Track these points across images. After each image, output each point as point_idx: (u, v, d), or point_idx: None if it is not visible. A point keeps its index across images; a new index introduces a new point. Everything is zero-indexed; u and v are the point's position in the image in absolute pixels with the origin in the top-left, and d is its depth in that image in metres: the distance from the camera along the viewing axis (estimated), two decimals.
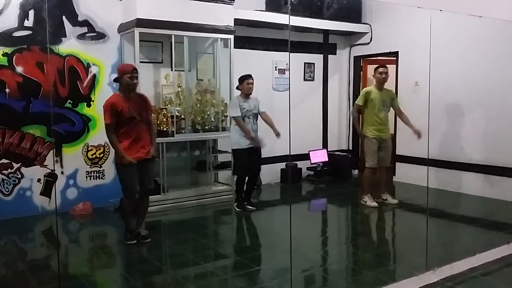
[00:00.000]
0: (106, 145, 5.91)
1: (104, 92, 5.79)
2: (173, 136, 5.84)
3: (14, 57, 5.34)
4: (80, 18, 5.70)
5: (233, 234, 5.35)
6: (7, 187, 5.41)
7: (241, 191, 5.81)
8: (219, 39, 6.22)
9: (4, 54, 5.29)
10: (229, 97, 6.19)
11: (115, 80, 4.58)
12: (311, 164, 7.57)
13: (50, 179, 5.63)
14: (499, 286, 3.68)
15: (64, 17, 5.62)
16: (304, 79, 7.84)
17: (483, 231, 5.06)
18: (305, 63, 7.80)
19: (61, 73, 5.64)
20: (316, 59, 7.94)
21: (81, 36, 5.73)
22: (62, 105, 5.67)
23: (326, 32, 7.89)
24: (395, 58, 7.48)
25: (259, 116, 5.76)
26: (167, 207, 5.83)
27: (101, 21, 5.83)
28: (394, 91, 6.15)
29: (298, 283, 3.65)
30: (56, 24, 5.57)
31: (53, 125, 5.64)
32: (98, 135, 5.83)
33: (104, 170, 5.99)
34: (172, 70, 6.00)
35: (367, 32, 7.85)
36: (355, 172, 7.90)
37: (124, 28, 5.82)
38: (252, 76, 5.72)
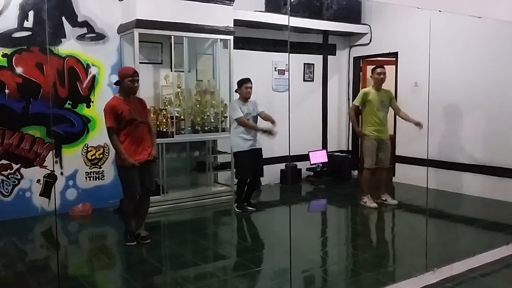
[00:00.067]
0: (105, 146, 5.91)
1: (104, 93, 5.80)
2: (173, 137, 5.84)
3: (13, 58, 5.34)
4: (79, 19, 5.71)
5: (232, 235, 5.35)
6: (6, 188, 5.41)
7: (241, 193, 5.81)
8: (218, 40, 6.22)
9: (4, 55, 5.29)
10: (229, 97, 6.19)
11: (116, 83, 4.58)
12: (311, 164, 7.57)
13: (50, 180, 5.63)
14: (499, 287, 3.68)
15: (63, 18, 5.62)
16: (304, 80, 7.85)
17: (483, 232, 5.06)
18: (304, 63, 7.81)
19: (61, 74, 5.64)
20: (316, 59, 7.95)
21: (81, 37, 5.74)
22: (61, 106, 5.67)
23: (325, 33, 7.90)
24: (394, 58, 7.49)
25: (258, 117, 5.75)
26: (166, 208, 5.83)
27: (100, 22, 5.83)
28: (392, 91, 6.15)
29: (297, 284, 3.65)
30: (56, 25, 5.57)
31: (52, 126, 5.64)
32: (97, 136, 5.83)
33: (103, 171, 5.99)
34: (171, 71, 6.00)
35: (367, 33, 7.86)
36: (355, 172, 7.90)
37: (123, 29, 5.82)
38: (251, 79, 5.71)
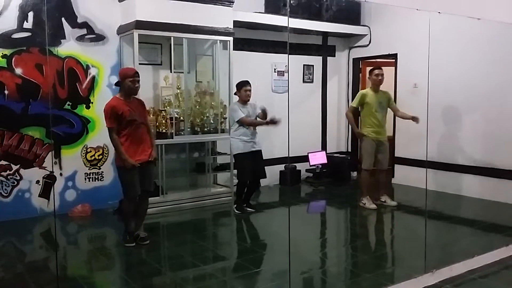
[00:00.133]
0: (105, 147, 5.91)
1: (103, 94, 5.80)
2: (172, 138, 5.85)
3: (13, 59, 5.34)
4: (79, 20, 5.71)
5: (232, 236, 5.35)
6: (5, 189, 5.41)
7: (241, 195, 5.81)
8: (218, 41, 6.23)
9: (3, 56, 5.29)
10: (228, 99, 6.20)
11: (117, 84, 4.58)
12: (310, 166, 7.57)
13: (49, 181, 5.62)
14: None
15: (63, 19, 5.62)
16: (303, 81, 7.85)
17: (482, 233, 5.07)
18: (304, 65, 7.81)
19: (60, 75, 5.64)
20: (315, 61, 7.95)
21: (80, 38, 5.74)
22: (61, 107, 5.67)
23: (325, 34, 7.90)
24: (394, 60, 7.49)
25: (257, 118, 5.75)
26: (166, 209, 5.83)
27: (100, 23, 5.83)
28: (389, 92, 6.15)
29: (297, 285, 3.65)
30: (55, 26, 5.57)
31: (52, 127, 5.63)
32: (97, 137, 5.83)
33: (103, 172, 5.98)
34: (171, 72, 6.00)
35: (366, 34, 7.87)
36: (354, 174, 7.90)
37: (123, 30, 5.82)
38: (250, 82, 5.72)
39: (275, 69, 7.44)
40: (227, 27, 6.15)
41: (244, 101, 5.67)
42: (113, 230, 5.32)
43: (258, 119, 5.71)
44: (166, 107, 6.01)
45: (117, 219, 5.38)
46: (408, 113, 5.86)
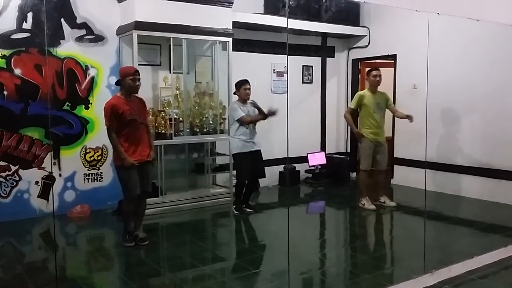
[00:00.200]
0: (104, 147, 5.91)
1: (103, 94, 5.80)
2: (171, 139, 5.84)
3: (12, 60, 5.34)
4: (78, 21, 5.71)
5: (231, 236, 5.35)
6: (4, 190, 5.40)
7: (240, 195, 5.81)
8: (217, 41, 6.23)
9: (3, 57, 5.28)
10: (228, 99, 6.20)
11: (117, 83, 4.58)
12: (309, 166, 7.57)
13: (48, 182, 5.62)
14: None
15: (62, 19, 5.62)
16: (302, 82, 7.86)
17: (481, 234, 5.07)
18: (303, 65, 7.82)
19: (60, 76, 5.64)
20: (314, 61, 7.96)
21: (80, 39, 5.74)
22: (60, 108, 5.67)
23: (324, 35, 7.91)
24: (393, 61, 7.50)
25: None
26: (165, 209, 5.82)
27: (99, 24, 5.83)
28: (387, 93, 6.15)
29: (296, 286, 3.65)
30: (55, 26, 5.57)
31: (51, 128, 5.63)
32: (96, 138, 5.83)
33: (102, 172, 5.98)
34: (170, 72, 6.00)
35: (365, 35, 7.87)
36: (353, 174, 7.90)
37: (122, 31, 5.82)
38: (249, 80, 5.73)
39: (274, 70, 7.45)
40: (226, 28, 6.15)
41: (243, 99, 5.68)
42: (112, 231, 5.32)
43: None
44: (165, 107, 6.01)
45: (116, 220, 5.38)
46: (405, 113, 5.87)
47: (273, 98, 7.25)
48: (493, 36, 5.97)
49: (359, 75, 8.17)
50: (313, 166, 7.56)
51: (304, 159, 7.47)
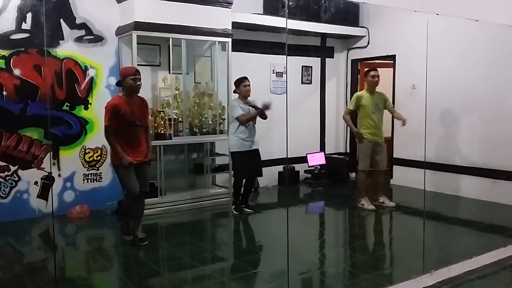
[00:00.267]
0: (103, 147, 5.91)
1: (102, 95, 5.80)
2: (171, 139, 5.84)
3: (11, 60, 5.33)
4: (77, 21, 5.71)
5: (230, 237, 5.35)
6: (4, 190, 5.40)
7: (238, 194, 5.81)
8: (217, 42, 6.24)
9: (2, 57, 5.28)
10: (227, 100, 6.20)
11: (118, 83, 4.58)
12: (309, 167, 7.58)
13: (47, 182, 5.62)
14: None
15: (61, 20, 5.62)
16: (302, 82, 7.86)
17: (480, 234, 5.08)
18: (302, 66, 7.82)
19: (59, 76, 5.64)
20: (314, 62, 7.96)
21: (79, 39, 5.74)
22: (59, 108, 5.66)
23: (323, 36, 7.91)
24: (392, 61, 7.51)
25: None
26: (164, 209, 5.82)
27: (98, 24, 5.83)
28: (386, 94, 6.16)
29: (295, 286, 3.65)
30: (54, 27, 5.56)
31: (50, 128, 5.63)
32: (95, 138, 5.83)
33: (101, 172, 5.98)
34: (169, 73, 6.01)
35: (365, 36, 7.88)
36: (353, 175, 7.91)
37: (122, 31, 5.82)
38: (248, 77, 5.73)
39: (273, 70, 7.45)
40: (226, 28, 6.15)
41: (244, 96, 5.68)
42: (111, 231, 5.31)
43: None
44: (165, 108, 6.01)
45: (116, 220, 5.37)
46: (407, 118, 5.84)
47: (272, 98, 7.20)
48: (492, 36, 5.97)
49: (359, 75, 8.17)
50: (313, 166, 7.57)
51: (303, 159, 7.48)
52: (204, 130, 6.18)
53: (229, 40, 6.21)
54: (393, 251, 4.80)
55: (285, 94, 7.24)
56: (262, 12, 6.87)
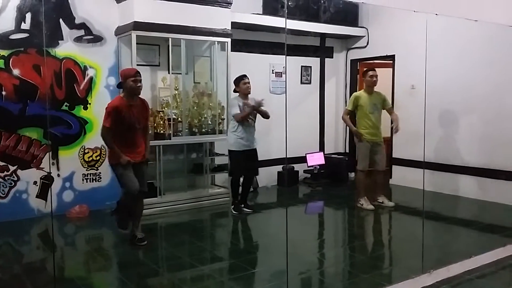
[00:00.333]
0: (102, 148, 5.90)
1: (101, 95, 5.81)
2: (170, 139, 5.84)
3: (11, 60, 5.33)
4: (77, 21, 5.71)
5: (229, 236, 5.35)
6: (3, 190, 5.40)
7: (236, 193, 5.82)
8: (216, 42, 6.24)
9: (1, 57, 5.28)
10: (226, 100, 6.20)
11: (119, 85, 4.57)
12: (308, 167, 7.58)
13: (46, 182, 5.61)
14: None
15: (61, 20, 5.62)
16: (301, 82, 7.86)
17: (479, 234, 5.08)
18: (302, 66, 7.82)
19: (58, 76, 5.64)
20: (313, 62, 7.97)
21: (78, 39, 5.73)
22: (58, 108, 5.66)
23: (322, 36, 7.92)
24: (391, 61, 7.51)
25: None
26: (163, 209, 5.83)
27: (98, 24, 5.83)
28: (384, 94, 6.16)
29: (294, 286, 3.66)
30: (53, 27, 5.56)
31: (49, 128, 5.63)
32: (94, 138, 5.82)
33: (100, 172, 5.98)
34: (169, 73, 6.01)
35: (364, 36, 7.88)
36: (352, 175, 7.91)
37: (121, 31, 5.82)
38: (247, 75, 5.74)
39: (273, 70, 7.45)
40: (225, 29, 6.15)
41: (244, 94, 5.68)
42: (110, 231, 5.31)
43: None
44: (164, 108, 6.01)
45: (115, 220, 5.36)
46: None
47: (271, 98, 7.25)
48: (491, 36, 5.98)
49: (358, 75, 8.17)
50: (312, 166, 7.57)
51: (302, 159, 7.48)
52: (203, 130, 6.18)
53: (229, 40, 6.21)
54: (392, 251, 4.81)
55: (285, 94, 7.25)
56: (261, 12, 6.87)
